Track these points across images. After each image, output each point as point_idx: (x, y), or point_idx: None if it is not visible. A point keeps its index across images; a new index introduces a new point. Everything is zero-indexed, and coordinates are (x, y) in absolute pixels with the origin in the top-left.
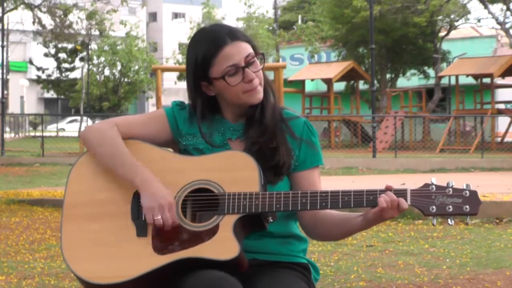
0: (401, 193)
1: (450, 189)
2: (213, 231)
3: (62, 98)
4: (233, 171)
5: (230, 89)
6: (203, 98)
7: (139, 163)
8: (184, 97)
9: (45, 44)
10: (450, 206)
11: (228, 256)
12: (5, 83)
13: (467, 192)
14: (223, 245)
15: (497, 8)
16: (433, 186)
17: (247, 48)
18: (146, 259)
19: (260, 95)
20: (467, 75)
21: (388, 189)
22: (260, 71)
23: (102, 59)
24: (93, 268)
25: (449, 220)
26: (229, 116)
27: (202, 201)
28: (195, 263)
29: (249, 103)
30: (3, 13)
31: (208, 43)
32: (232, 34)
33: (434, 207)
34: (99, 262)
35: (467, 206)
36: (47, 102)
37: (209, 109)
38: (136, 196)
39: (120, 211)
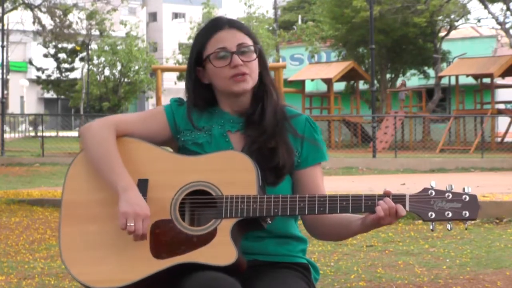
0: (399, 199)
1: (450, 194)
2: (210, 236)
3: (62, 98)
4: (231, 172)
5: (217, 73)
6: (196, 85)
7: (126, 171)
8: (184, 97)
9: (45, 44)
10: (449, 212)
11: (226, 262)
12: (5, 83)
13: (467, 196)
14: (220, 251)
15: (497, 8)
16: (432, 191)
17: (243, 38)
18: (145, 263)
19: (247, 85)
20: (467, 75)
21: (386, 194)
22: (252, 62)
23: (102, 59)
24: (92, 271)
25: (448, 226)
26: (226, 108)
27: (200, 204)
28: (193, 267)
29: (236, 91)
30: (3, 13)
31: (206, 28)
32: (231, 23)
33: (433, 213)
34: (98, 265)
35: (466, 212)
36: (47, 102)
37: (206, 101)
38: None
39: (118, 212)
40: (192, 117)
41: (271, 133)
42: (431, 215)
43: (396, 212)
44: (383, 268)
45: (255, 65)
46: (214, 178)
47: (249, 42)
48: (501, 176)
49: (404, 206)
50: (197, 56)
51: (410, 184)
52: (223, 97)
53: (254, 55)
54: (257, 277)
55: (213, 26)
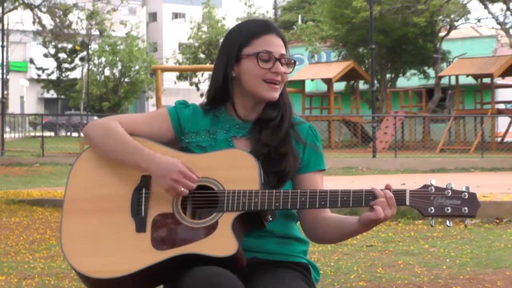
0: (400, 193)
1: (449, 191)
2: (212, 228)
3: (62, 98)
4: (233, 169)
5: (254, 70)
6: (226, 76)
7: (141, 145)
8: (183, 97)
9: (45, 44)
10: (449, 208)
11: (226, 253)
12: (5, 83)
13: (466, 194)
14: (221, 242)
15: (497, 8)
16: (432, 188)
17: (284, 49)
18: (145, 254)
19: (277, 95)
20: (467, 75)
21: (386, 188)
22: (286, 75)
23: (103, 59)
24: (92, 262)
25: (447, 222)
26: (238, 110)
27: (202, 198)
28: (193, 259)
29: (265, 97)
30: (3, 13)
31: (254, 26)
32: (278, 31)
33: (432, 208)
34: (98, 256)
35: (466, 208)
36: (47, 102)
37: (221, 96)
38: (136, 192)
39: (120, 206)
40: (197, 116)
41: (283, 140)
42: (431, 210)
43: (393, 202)
44: (383, 268)
45: (286, 77)
46: (217, 175)
47: (287, 55)
48: (501, 176)
49: (404, 201)
50: (238, 50)
51: (410, 184)
52: (240, 96)
53: (290, 69)
54: (257, 275)
55: (264, 27)
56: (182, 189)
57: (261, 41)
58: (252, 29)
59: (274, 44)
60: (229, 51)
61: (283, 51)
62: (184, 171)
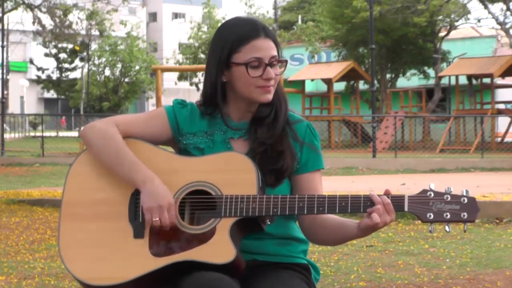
0: (398, 199)
1: (448, 196)
2: (210, 234)
3: (62, 98)
4: (231, 173)
5: (245, 79)
6: (217, 82)
7: (140, 161)
8: (184, 97)
9: (45, 44)
10: (448, 213)
11: (224, 260)
12: (5, 83)
13: (465, 198)
14: (219, 249)
15: (497, 8)
16: (431, 193)
17: (275, 50)
18: (143, 261)
19: (271, 96)
20: (467, 75)
21: (385, 194)
22: (278, 76)
23: (103, 59)
24: (90, 268)
25: (446, 227)
26: (233, 112)
27: (200, 203)
28: (191, 265)
29: (259, 100)
30: (3, 13)
31: (243, 30)
32: (266, 31)
33: (431, 214)
34: (96, 263)
35: (465, 213)
36: (47, 102)
37: (216, 101)
38: (134, 197)
39: (118, 212)
40: (195, 117)
41: (279, 136)
42: (430, 216)
43: (391, 209)
44: (383, 268)
45: (279, 77)
46: (214, 179)
47: (277, 54)
48: (501, 176)
49: (403, 207)
50: (227, 56)
51: (410, 184)
52: (234, 99)
53: (282, 69)
54: (256, 277)
55: (251, 31)
56: (158, 218)
57: (249, 47)
58: (240, 34)
59: (263, 48)
60: (218, 57)
61: (274, 52)
62: (174, 207)
